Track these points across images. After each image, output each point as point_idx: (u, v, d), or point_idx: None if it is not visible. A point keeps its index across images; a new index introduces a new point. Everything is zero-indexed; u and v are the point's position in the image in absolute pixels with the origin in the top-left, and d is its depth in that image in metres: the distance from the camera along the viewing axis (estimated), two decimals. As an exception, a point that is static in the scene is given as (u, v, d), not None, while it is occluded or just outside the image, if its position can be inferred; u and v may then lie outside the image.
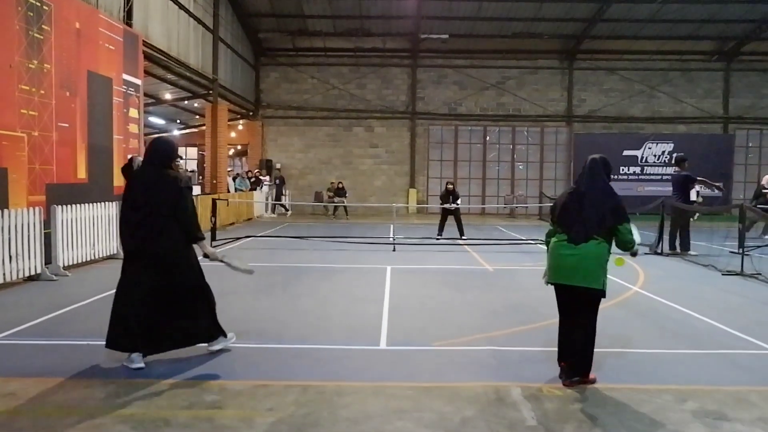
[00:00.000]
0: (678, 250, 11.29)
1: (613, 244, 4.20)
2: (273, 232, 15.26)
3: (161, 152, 4.49)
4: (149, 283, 4.33)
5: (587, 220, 4.11)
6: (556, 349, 4.37)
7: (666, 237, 11.54)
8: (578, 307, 4.21)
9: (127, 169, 4.61)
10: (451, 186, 14.11)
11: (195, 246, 4.58)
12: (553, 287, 4.40)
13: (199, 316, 4.59)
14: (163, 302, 4.38)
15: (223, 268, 4.97)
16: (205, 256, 4.66)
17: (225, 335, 4.82)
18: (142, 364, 4.39)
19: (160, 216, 4.33)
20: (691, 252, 11.08)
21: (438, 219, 14.23)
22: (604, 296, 4.19)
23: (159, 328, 4.39)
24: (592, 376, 4.24)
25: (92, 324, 5.79)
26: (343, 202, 20.89)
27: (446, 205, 13.73)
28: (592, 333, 4.22)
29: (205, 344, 4.76)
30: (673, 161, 12.16)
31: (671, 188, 12.32)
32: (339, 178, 23.24)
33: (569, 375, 4.21)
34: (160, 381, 4.19)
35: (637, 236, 4.19)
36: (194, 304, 4.55)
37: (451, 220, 13.81)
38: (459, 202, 14.16)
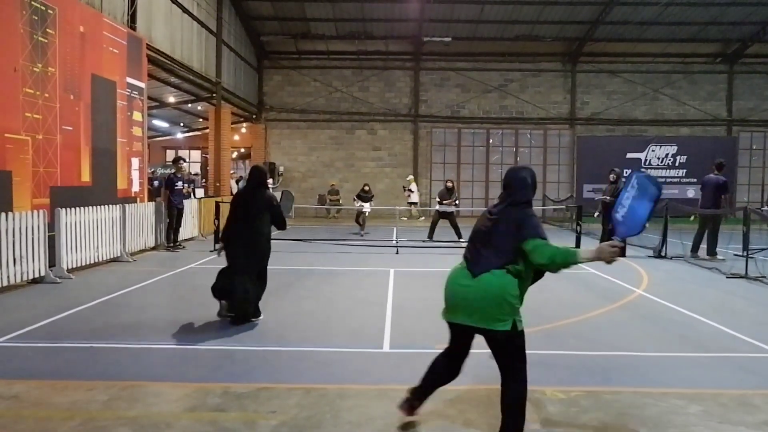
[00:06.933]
0: (699, 253, 11.05)
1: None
2: (275, 235, 15.23)
3: (257, 177, 6.27)
4: (243, 262, 5.96)
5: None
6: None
7: (673, 240, 11.50)
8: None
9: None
10: (450, 184, 14.15)
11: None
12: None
13: (257, 299, 6.10)
14: (248, 281, 5.93)
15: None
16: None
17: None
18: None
19: (254, 222, 6.01)
20: (719, 257, 10.77)
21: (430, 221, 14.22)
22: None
23: (241, 291, 5.88)
24: None
25: (96, 327, 5.81)
26: (367, 210, 16.26)
27: (445, 204, 13.72)
28: None
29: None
30: (714, 164, 11.61)
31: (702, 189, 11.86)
32: (342, 180, 23.28)
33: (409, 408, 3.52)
34: (163, 384, 4.20)
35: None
36: (260, 290, 6.14)
37: (444, 223, 13.74)
38: (458, 202, 14.18)
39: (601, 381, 4.40)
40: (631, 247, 12.09)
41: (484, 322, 3.17)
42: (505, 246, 3.18)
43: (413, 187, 21.72)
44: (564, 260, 3.06)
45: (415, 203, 21.43)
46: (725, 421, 3.64)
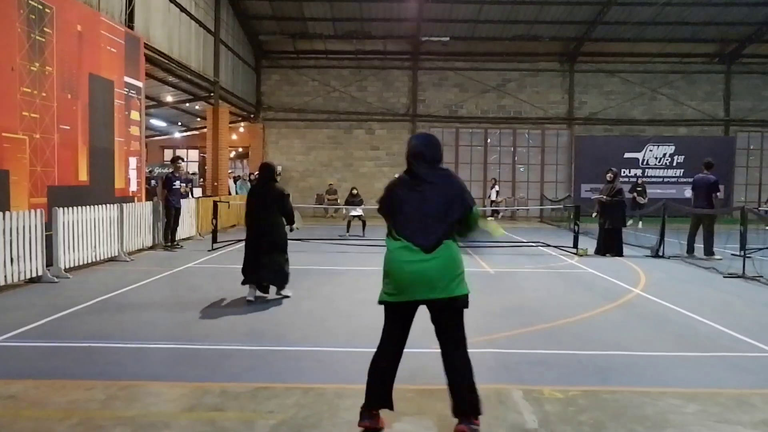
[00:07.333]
0: (695, 253, 11.09)
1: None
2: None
3: (268, 173, 7.25)
4: (260, 245, 7.03)
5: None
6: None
7: (671, 240, 11.52)
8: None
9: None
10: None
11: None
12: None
13: (281, 269, 7.13)
14: (265, 255, 6.99)
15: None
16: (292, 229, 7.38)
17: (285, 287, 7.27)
18: (252, 299, 6.96)
19: (270, 210, 7.05)
20: (717, 257, 10.79)
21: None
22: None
23: (260, 269, 7.00)
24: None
25: (93, 326, 5.80)
26: (360, 214, 15.37)
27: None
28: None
29: (275, 289, 7.19)
30: (703, 164, 11.74)
31: (692, 189, 11.96)
32: (340, 180, 23.26)
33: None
34: (161, 383, 4.19)
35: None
36: (280, 261, 7.14)
37: None
38: None
39: (598, 380, 4.40)
40: (630, 247, 12.12)
41: (447, 292, 3.19)
42: (449, 213, 3.23)
43: None
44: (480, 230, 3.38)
45: None
46: (723, 421, 3.65)
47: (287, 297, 7.16)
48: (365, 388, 3.40)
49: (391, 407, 3.40)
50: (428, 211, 3.23)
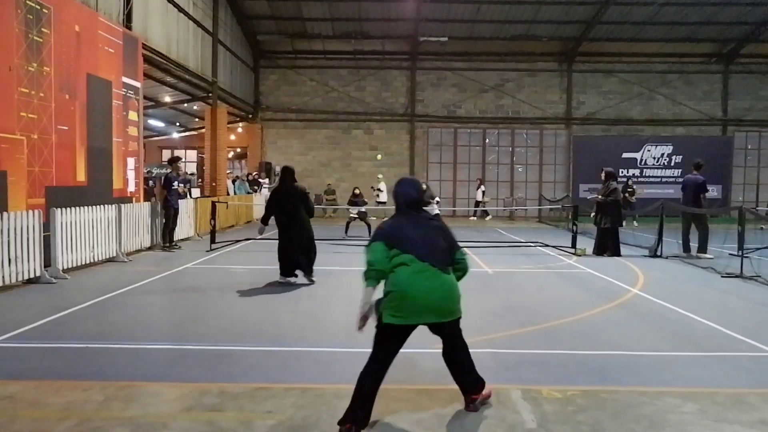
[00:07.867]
0: (692, 252, 11.19)
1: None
2: (272, 235, 15.20)
3: (290, 174, 8.34)
4: (292, 238, 8.14)
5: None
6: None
7: (669, 240, 11.53)
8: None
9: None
10: (424, 186, 13.71)
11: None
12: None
13: (310, 256, 8.26)
14: (296, 247, 8.12)
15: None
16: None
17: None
18: (291, 279, 8.21)
19: (296, 207, 8.13)
20: (708, 255, 10.87)
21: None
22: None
23: (294, 260, 8.16)
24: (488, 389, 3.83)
25: (91, 327, 5.79)
26: (364, 215, 14.58)
27: (427, 208, 13.34)
28: None
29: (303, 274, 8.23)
30: (692, 165, 12.00)
31: (682, 190, 12.09)
32: (338, 180, 23.25)
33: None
34: (159, 384, 4.19)
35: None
36: (309, 249, 8.27)
37: None
38: (438, 201, 13.85)
39: (597, 380, 4.41)
40: (628, 247, 12.13)
41: (454, 315, 3.58)
42: (448, 249, 3.62)
43: (382, 186, 21.35)
44: None
45: (383, 202, 21.28)
46: (721, 420, 3.65)
47: (312, 282, 8.19)
48: (349, 404, 3.38)
49: (365, 426, 3.39)
50: (434, 240, 3.57)
